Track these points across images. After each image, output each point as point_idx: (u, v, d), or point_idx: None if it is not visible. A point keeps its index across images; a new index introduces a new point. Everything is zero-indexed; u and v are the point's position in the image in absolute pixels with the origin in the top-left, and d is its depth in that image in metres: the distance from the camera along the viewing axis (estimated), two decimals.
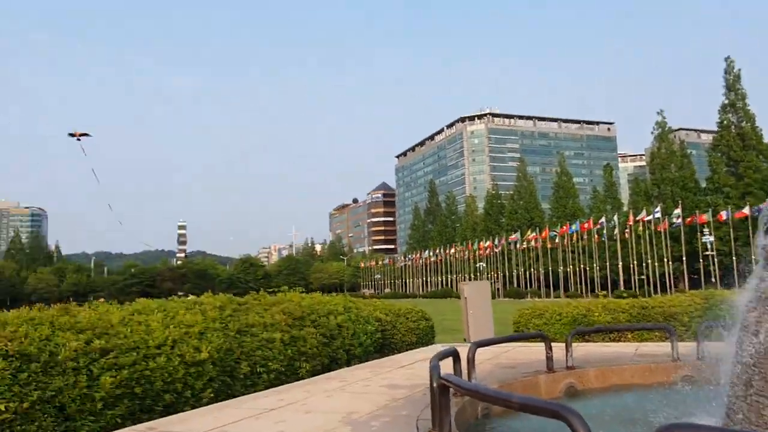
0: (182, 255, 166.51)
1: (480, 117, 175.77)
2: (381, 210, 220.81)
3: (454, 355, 4.87)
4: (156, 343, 5.89)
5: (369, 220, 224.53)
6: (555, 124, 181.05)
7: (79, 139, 41.72)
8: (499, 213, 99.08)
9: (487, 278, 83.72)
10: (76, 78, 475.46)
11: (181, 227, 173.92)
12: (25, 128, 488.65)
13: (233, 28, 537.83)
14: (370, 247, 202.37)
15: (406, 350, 10.23)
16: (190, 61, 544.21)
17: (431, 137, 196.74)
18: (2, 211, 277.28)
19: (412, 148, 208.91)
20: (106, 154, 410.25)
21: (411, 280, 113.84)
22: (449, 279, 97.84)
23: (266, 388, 6.77)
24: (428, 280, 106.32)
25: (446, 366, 4.28)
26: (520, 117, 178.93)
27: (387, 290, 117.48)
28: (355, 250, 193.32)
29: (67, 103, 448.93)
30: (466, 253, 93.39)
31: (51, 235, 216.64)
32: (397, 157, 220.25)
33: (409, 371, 7.45)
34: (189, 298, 10.59)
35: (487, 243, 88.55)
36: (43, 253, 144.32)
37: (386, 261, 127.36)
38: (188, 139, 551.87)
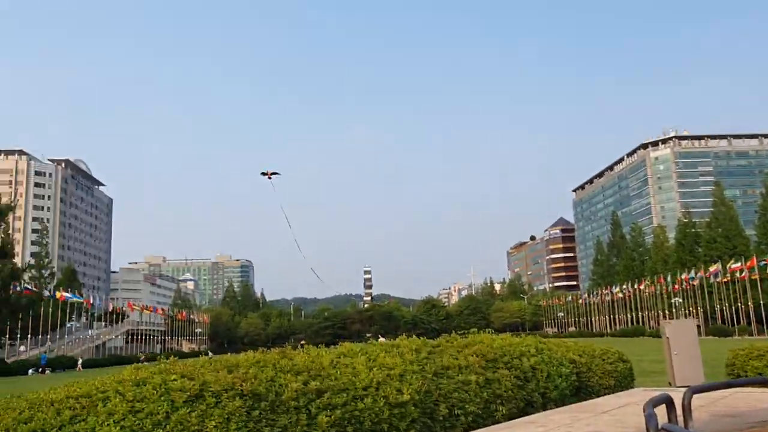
0: (368, 298, 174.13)
1: (664, 141, 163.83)
2: (560, 246, 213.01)
3: (668, 401, 4.59)
4: (362, 384, 6.28)
5: (548, 257, 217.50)
6: (755, 141, 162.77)
7: (270, 178, 44.67)
8: (694, 243, 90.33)
9: (685, 314, 76.39)
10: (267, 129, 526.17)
11: (366, 272, 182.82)
12: (231, 188, 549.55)
13: (410, 75, 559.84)
14: (550, 285, 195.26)
15: (604, 394, 9.71)
16: (370, 110, 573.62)
17: (610, 167, 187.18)
18: (219, 265, 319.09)
19: (590, 181, 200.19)
20: (297, 201, 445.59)
21: (597, 317, 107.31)
22: (639, 316, 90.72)
23: (465, 431, 6.85)
24: (616, 317, 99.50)
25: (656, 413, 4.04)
26: (712, 137, 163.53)
27: (571, 329, 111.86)
28: (535, 288, 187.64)
29: (261, 157, 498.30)
30: (657, 287, 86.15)
31: (257, 284, 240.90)
32: (574, 190, 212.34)
33: (612, 418, 7.08)
34: (380, 340, 11.12)
35: (682, 276, 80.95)
36: (252, 300, 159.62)
37: (569, 298, 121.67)
38: (369, 185, 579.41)
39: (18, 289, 61.12)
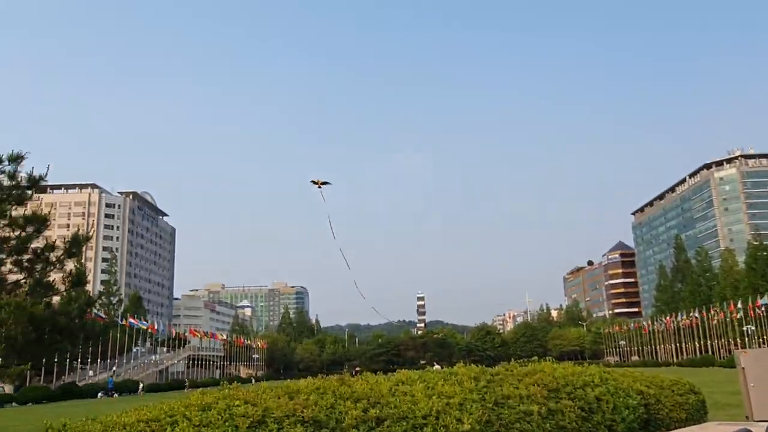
0: (422, 325, 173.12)
1: (729, 161, 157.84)
2: (619, 271, 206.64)
3: None
4: (422, 413, 6.22)
5: (607, 282, 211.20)
6: None
7: (320, 187, 44.65)
8: (767, 267, 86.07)
9: (758, 343, 72.48)
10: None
11: (420, 299, 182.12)
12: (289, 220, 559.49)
13: (463, 96, 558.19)
14: (610, 311, 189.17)
15: (675, 428, 9.27)
16: (421, 134, 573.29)
17: (671, 189, 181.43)
18: (275, 291, 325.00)
19: (650, 203, 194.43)
20: (348, 227, 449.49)
21: (661, 346, 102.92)
22: (708, 345, 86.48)
23: None
24: (682, 346, 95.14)
25: None
26: None
27: (634, 358, 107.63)
28: (594, 315, 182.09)
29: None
30: (727, 314, 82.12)
31: (312, 310, 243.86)
32: (634, 213, 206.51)
33: None
34: (436, 367, 10.99)
35: (755, 302, 76.96)
36: (307, 326, 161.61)
37: (631, 325, 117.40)
38: (421, 211, 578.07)
39: (92, 315, 63.81)
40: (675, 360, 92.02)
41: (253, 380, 70.15)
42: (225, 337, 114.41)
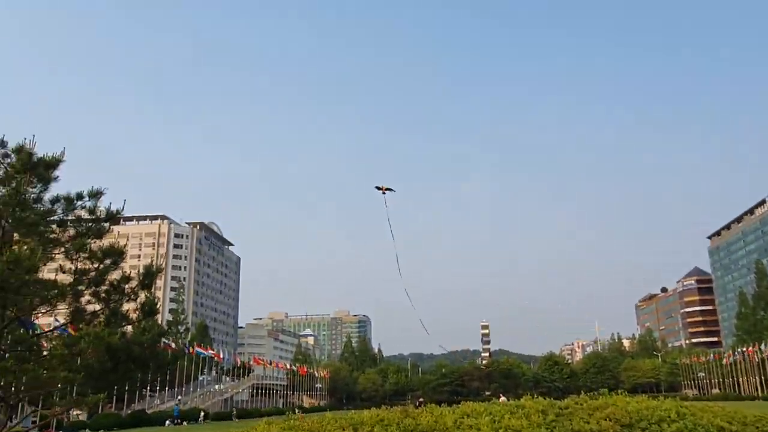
0: (486, 354, 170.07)
1: None
2: (696, 298, 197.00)
3: None
4: None
5: (682, 311, 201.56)
6: None
7: (384, 193, 45.05)
8: None
9: None
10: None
11: (484, 327, 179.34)
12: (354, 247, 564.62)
13: (529, 119, 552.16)
14: (687, 341, 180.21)
15: None
16: (486, 159, 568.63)
17: (750, 211, 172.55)
18: (337, 320, 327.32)
19: (728, 226, 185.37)
20: (412, 255, 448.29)
21: (744, 378, 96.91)
22: None
23: None
24: (767, 378, 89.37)
25: None
26: None
27: (715, 390, 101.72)
28: (669, 345, 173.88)
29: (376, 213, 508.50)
30: None
31: (374, 339, 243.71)
32: (710, 237, 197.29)
33: None
34: (502, 399, 10.73)
35: None
36: (369, 355, 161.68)
37: (710, 356, 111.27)
38: (485, 237, 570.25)
39: (161, 345, 66.53)
40: (760, 393, 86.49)
41: (297, 410, 70.24)
42: (288, 365, 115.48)
